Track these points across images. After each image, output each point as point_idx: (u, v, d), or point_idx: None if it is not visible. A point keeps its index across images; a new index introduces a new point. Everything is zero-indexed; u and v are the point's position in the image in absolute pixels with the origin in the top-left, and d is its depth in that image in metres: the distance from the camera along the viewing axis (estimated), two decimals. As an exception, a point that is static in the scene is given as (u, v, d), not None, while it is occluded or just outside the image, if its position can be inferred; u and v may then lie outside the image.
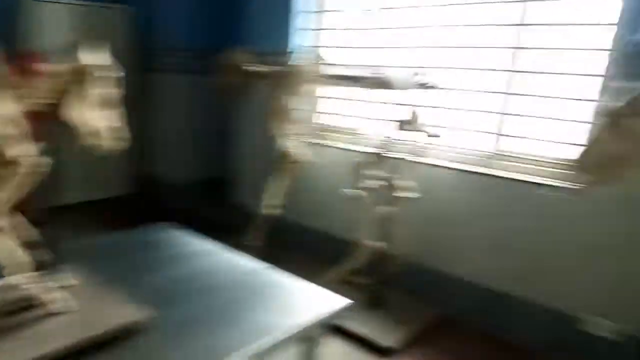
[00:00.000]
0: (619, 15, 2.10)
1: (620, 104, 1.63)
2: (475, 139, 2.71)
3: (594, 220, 2.23)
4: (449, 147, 2.74)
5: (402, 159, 2.57)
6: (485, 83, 2.63)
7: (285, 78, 2.75)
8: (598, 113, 2.08)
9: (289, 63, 2.77)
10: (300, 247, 3.19)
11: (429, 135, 2.56)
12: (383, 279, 2.65)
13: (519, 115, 2.53)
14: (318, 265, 2.61)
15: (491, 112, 2.61)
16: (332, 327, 2.40)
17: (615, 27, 2.11)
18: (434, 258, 2.77)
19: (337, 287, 2.52)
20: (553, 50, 2.37)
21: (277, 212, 2.87)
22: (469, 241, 2.66)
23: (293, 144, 2.78)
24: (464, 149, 2.73)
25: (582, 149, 1.72)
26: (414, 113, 2.53)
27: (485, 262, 2.61)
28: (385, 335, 2.41)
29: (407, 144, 2.64)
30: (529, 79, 2.50)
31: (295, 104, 2.75)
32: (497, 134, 2.61)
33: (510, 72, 2.52)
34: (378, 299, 2.64)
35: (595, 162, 1.69)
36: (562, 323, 2.36)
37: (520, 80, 2.52)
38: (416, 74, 2.57)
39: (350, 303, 1.51)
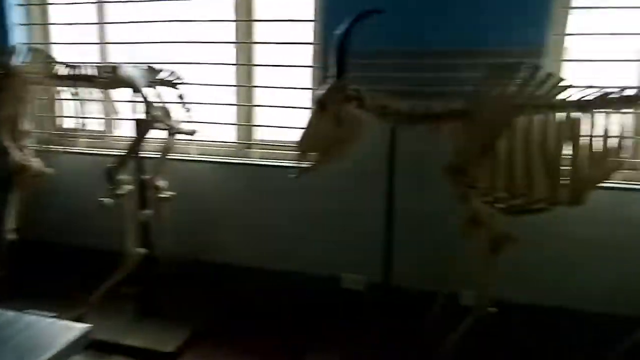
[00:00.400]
0: (314, 11, 2.41)
1: (324, 91, 1.88)
2: (228, 131, 2.81)
3: (331, 192, 2.55)
4: (204, 141, 2.79)
5: (160, 158, 2.52)
6: (229, 76, 2.74)
7: (6, 80, 2.41)
8: (312, 100, 2.37)
9: (9, 63, 2.44)
10: (57, 268, 2.90)
11: (183, 132, 2.56)
12: (155, 285, 2.57)
13: (261, 105, 2.72)
14: (81, 283, 2.43)
15: (238, 104, 2.74)
16: (111, 346, 2.28)
17: (315, 22, 2.43)
18: (206, 251, 2.82)
19: (106, 302, 2.37)
20: (280, 44, 2.60)
21: (14, 234, 2.53)
22: (235, 229, 2.79)
23: (27, 154, 2.46)
24: (218, 141, 2.81)
25: (301, 132, 1.94)
26: (163, 110, 2.50)
27: (252, 245, 2.77)
28: (164, 341, 2.35)
29: (161, 142, 2.59)
30: (268, 72, 2.68)
31: (24, 109, 2.43)
32: (247, 124, 2.77)
33: (248, 66, 2.69)
34: (153, 306, 2.56)
35: (312, 143, 1.93)
36: (329, 284, 2.66)
37: (259, 73, 2.71)
38: (160, 70, 2.54)
39: (88, 328, 1.39)
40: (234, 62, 2.70)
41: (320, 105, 1.87)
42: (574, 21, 2.18)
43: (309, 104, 2.53)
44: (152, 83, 2.48)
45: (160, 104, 2.50)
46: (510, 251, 1.94)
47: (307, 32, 2.51)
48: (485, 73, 1.90)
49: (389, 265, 2.20)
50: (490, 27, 2.19)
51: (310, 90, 2.53)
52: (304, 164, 1.97)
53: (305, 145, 1.90)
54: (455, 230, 2.15)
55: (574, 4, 2.16)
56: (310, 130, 1.90)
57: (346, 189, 2.54)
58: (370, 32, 2.21)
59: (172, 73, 2.50)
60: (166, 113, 2.51)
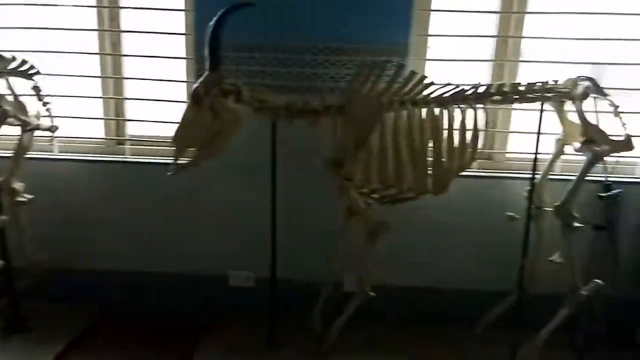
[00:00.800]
0: (190, 2, 2.32)
1: (199, 84, 1.82)
2: (97, 126, 2.60)
3: (212, 188, 2.49)
4: (67, 137, 2.54)
5: (14, 157, 2.24)
6: (95, 67, 2.53)
7: None
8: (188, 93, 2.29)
9: None
10: None
11: (40, 129, 2.31)
12: (20, 298, 2.33)
13: (130, 99, 2.55)
14: None
15: (106, 97, 2.54)
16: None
17: (186, 12, 2.34)
18: (77, 258, 2.59)
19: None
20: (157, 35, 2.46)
21: None
22: (110, 232, 2.60)
23: None
24: (84, 138, 2.59)
25: (176, 127, 1.86)
26: (16, 103, 2.24)
27: (129, 248, 2.61)
28: (35, 356, 2.18)
29: (15, 140, 2.31)
30: (139, 64, 2.52)
31: None
32: (117, 119, 2.58)
33: (115, 56, 2.51)
34: (20, 321, 2.33)
35: (188, 139, 1.86)
36: (213, 284, 2.60)
37: (129, 64, 2.54)
38: (11, 59, 2.26)
39: None
40: (99, 52, 2.50)
41: (195, 99, 1.81)
42: (435, 22, 2.37)
43: (184, 97, 2.43)
44: (2, 73, 2.21)
45: (13, 97, 2.24)
46: (385, 238, 2.07)
47: (180, 22, 2.40)
48: (356, 70, 1.98)
49: (275, 259, 2.22)
50: (360, 25, 2.28)
51: (185, 83, 2.43)
52: (181, 160, 1.90)
53: (180, 140, 1.83)
54: (337, 220, 2.24)
55: (434, 7, 2.33)
56: (185, 125, 1.83)
57: (228, 185, 2.49)
58: (247, 25, 2.21)
59: (24, 62, 2.24)
60: (20, 107, 2.26)
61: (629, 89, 2.38)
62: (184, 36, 2.40)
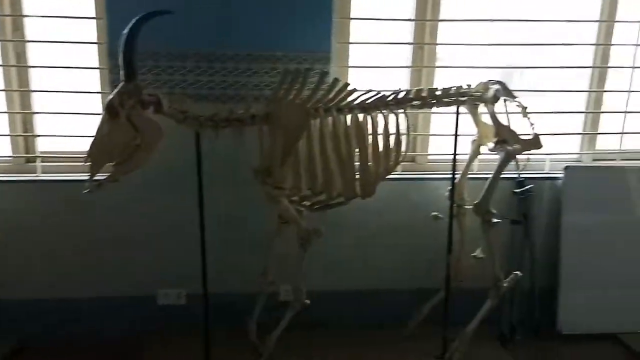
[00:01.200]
0: (95, 8, 2.22)
1: (114, 96, 1.73)
2: (3, 144, 2.40)
3: (136, 205, 2.38)
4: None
5: None
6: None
7: None
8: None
9: None
10: None
11: None
12: None
13: (40, 112, 2.38)
14: None
15: (11, 112, 2.35)
16: None
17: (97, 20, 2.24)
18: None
19: None
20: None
21: None
22: (22, 258, 2.41)
23: None
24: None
25: (90, 141, 1.75)
26: None
27: (46, 274, 2.43)
28: None
29: None
30: (49, 75, 2.36)
31: None
32: (25, 135, 2.39)
33: (21, 68, 2.33)
34: None
35: (105, 153, 1.75)
36: (144, 305, 2.49)
37: (38, 75, 2.37)
38: None
39: None
40: (2, 63, 2.31)
41: (110, 111, 1.71)
42: (356, 30, 2.42)
43: (99, 109, 2.30)
44: None
45: None
46: (317, 244, 2.07)
47: (91, 30, 2.28)
48: (280, 78, 1.98)
49: (206, 274, 2.14)
50: (281, 33, 2.28)
51: (100, 95, 2.30)
52: (98, 177, 1.79)
53: (95, 155, 1.72)
54: (269, 230, 2.21)
55: (353, 15, 2.38)
56: (100, 139, 1.72)
57: (152, 200, 2.39)
58: (166, 33, 2.14)
59: None
60: None
61: (535, 90, 2.57)
62: (96, 45, 2.28)
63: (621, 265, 2.62)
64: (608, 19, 2.54)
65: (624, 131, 2.68)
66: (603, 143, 2.74)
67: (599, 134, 2.71)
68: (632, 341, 2.52)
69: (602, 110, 2.67)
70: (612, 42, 2.58)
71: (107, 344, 2.44)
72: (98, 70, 2.30)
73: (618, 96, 2.68)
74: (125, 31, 1.67)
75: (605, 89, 2.64)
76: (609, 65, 2.61)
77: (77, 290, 2.46)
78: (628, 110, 2.65)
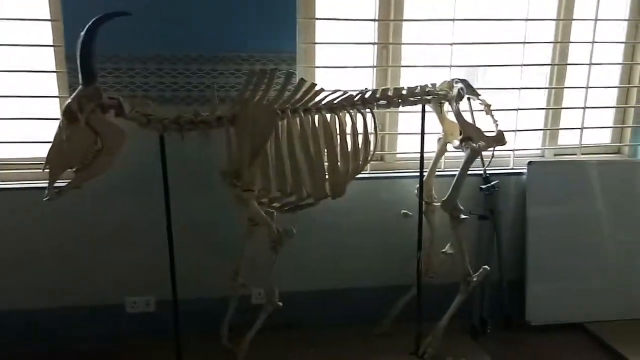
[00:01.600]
0: (49, 9, 2.15)
1: (73, 100, 1.67)
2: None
3: (99, 212, 2.32)
4: None
5: None
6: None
7: None
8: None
9: None
10: None
11: None
12: None
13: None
14: None
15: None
16: None
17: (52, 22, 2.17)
18: None
19: None
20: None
21: None
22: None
23: None
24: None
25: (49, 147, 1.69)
26: None
27: (3, 285, 2.33)
28: None
29: None
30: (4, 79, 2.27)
31: None
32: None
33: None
34: None
35: (64, 159, 1.69)
36: (112, 314, 2.43)
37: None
38: None
39: None
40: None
41: (69, 116, 1.65)
42: (321, 30, 2.42)
43: (57, 114, 2.22)
44: None
45: None
46: (288, 246, 2.06)
47: (47, 33, 2.20)
48: (245, 79, 1.95)
49: (175, 279, 2.10)
50: (246, 34, 2.26)
51: (58, 99, 2.23)
52: (58, 184, 1.73)
53: (54, 162, 1.66)
54: (238, 233, 2.18)
55: (317, 15, 2.38)
56: (59, 145, 1.67)
57: (117, 206, 2.33)
58: (127, 35, 2.09)
59: None
60: None
61: (498, 88, 2.62)
62: (52, 48, 2.20)
63: (585, 256, 2.70)
64: (565, 18, 2.62)
65: (584, 126, 2.77)
66: (564, 138, 2.82)
67: (560, 129, 2.78)
68: (597, 329, 2.61)
69: (562, 107, 2.75)
70: (570, 40, 2.66)
71: (74, 357, 2.36)
72: (55, 74, 2.23)
73: (577, 93, 2.76)
74: (83, 33, 1.62)
75: (564, 86, 2.72)
76: (568, 62, 2.69)
77: (41, 301, 2.38)
78: (587, 106, 2.74)
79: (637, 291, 2.72)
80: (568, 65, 2.69)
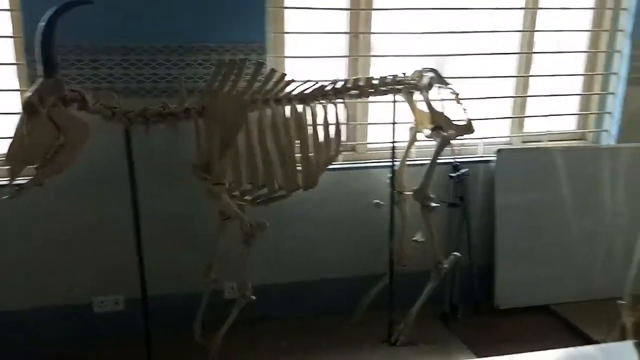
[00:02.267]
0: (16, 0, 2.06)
1: (32, 93, 1.60)
2: None
3: (63, 209, 2.23)
4: None
5: None
6: None
7: None
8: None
9: None
10: None
11: None
12: None
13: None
14: None
15: None
16: None
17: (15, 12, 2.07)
18: None
19: None
20: None
21: None
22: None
23: None
24: None
25: (8, 143, 1.62)
26: None
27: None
28: None
29: None
30: None
31: None
32: None
33: None
34: None
35: (25, 155, 1.63)
36: (79, 314, 2.37)
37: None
38: None
39: None
40: None
41: (29, 110, 1.59)
42: (292, 20, 2.38)
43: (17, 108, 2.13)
44: None
45: None
46: (261, 239, 2.04)
47: (6, 23, 2.10)
48: (214, 69, 1.91)
49: (144, 276, 2.06)
50: (214, 24, 2.21)
51: (18, 92, 2.14)
52: (19, 181, 1.66)
53: (15, 158, 1.60)
54: (209, 227, 2.15)
55: (287, 4, 2.35)
56: (20, 140, 1.60)
57: (82, 202, 2.25)
58: (90, 25, 2.01)
59: None
60: None
61: (467, 77, 2.65)
62: (11, 39, 2.10)
63: (550, 241, 2.78)
64: (532, 6, 2.66)
65: (550, 114, 2.83)
66: (531, 126, 2.89)
67: (527, 117, 2.84)
68: (562, 311, 2.70)
69: (528, 94, 2.80)
70: (536, 29, 2.71)
71: (42, 358, 2.30)
72: (15, 66, 2.13)
73: (543, 81, 2.82)
74: (42, 23, 1.56)
75: (530, 74, 2.77)
76: (534, 51, 2.74)
77: (5, 302, 2.29)
78: (553, 93, 2.80)
79: (598, 273, 2.82)
80: (534, 54, 2.74)
